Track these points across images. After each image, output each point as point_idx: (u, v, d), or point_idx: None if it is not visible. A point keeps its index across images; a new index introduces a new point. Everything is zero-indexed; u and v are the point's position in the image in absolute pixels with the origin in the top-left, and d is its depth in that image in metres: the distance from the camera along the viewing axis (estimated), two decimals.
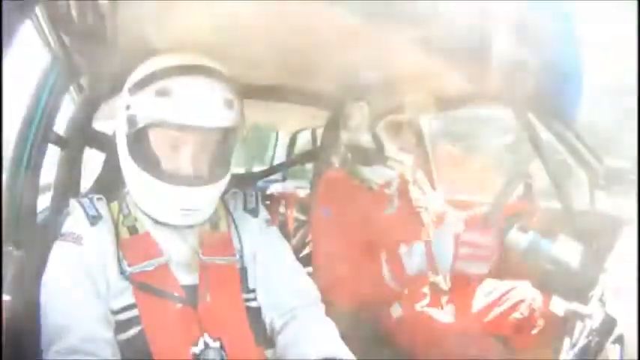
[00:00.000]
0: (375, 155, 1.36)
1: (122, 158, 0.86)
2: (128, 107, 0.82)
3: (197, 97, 0.79)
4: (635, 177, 1.20)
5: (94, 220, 0.86)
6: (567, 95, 1.05)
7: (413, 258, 1.11)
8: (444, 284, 1.35)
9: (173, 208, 0.84)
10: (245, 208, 0.99)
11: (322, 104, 1.60)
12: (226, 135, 0.86)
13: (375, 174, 1.38)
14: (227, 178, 0.89)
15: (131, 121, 0.82)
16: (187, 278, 0.86)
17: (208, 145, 0.84)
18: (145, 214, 0.88)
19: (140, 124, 0.81)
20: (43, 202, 1.10)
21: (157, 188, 0.82)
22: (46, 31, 0.93)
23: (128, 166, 0.85)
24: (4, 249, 0.80)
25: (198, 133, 0.81)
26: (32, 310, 0.79)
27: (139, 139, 0.83)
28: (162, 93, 0.79)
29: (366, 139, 1.36)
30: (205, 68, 0.82)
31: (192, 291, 0.85)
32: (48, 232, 0.93)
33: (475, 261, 1.01)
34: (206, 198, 0.86)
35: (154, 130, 0.82)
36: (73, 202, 0.90)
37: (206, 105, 0.80)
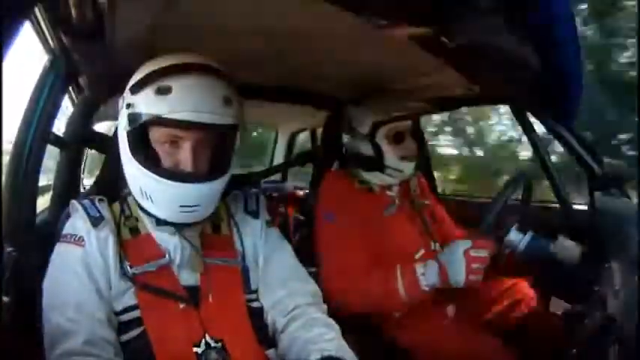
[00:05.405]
0: (375, 164, 1.33)
1: (123, 156, 0.86)
2: (129, 106, 0.83)
3: (195, 95, 0.80)
4: (635, 177, 1.20)
5: (96, 221, 0.86)
6: (567, 95, 1.05)
7: (428, 277, 1.13)
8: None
9: (173, 205, 0.83)
10: (246, 210, 0.99)
11: (322, 105, 1.60)
12: (226, 132, 0.86)
13: (375, 177, 1.37)
14: (227, 176, 0.88)
15: (132, 118, 0.82)
16: (189, 279, 0.87)
17: (208, 143, 0.85)
18: (146, 212, 0.88)
19: (140, 121, 0.81)
20: (42, 203, 1.09)
21: (157, 185, 0.82)
22: (45, 31, 0.93)
23: (129, 164, 0.85)
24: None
25: (197, 130, 0.81)
26: (31, 311, 0.79)
27: (139, 136, 0.83)
28: (161, 91, 0.80)
29: (365, 147, 1.32)
30: (204, 66, 0.82)
31: (194, 292, 0.85)
32: (47, 234, 0.93)
33: (481, 273, 1.06)
34: (206, 194, 0.85)
35: (154, 127, 0.83)
36: (74, 204, 0.90)
37: (204, 102, 0.80)
